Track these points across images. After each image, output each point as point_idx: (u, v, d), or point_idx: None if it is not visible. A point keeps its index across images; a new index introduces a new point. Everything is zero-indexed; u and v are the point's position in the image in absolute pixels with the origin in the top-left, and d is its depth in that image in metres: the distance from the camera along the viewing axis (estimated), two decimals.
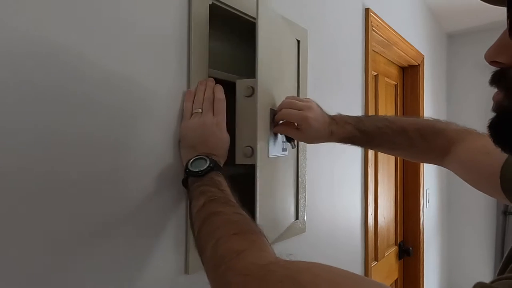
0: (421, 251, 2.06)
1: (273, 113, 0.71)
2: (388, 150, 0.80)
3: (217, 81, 0.68)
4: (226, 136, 0.63)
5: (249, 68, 0.89)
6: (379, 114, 1.77)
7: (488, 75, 0.36)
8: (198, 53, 0.66)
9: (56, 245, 0.46)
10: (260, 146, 0.63)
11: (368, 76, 1.40)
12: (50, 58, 0.45)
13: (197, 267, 0.65)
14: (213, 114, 0.62)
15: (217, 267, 0.39)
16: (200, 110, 0.62)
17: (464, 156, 0.65)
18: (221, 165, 0.60)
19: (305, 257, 0.37)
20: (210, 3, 0.68)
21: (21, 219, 0.43)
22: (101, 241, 0.52)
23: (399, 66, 2.04)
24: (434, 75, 2.37)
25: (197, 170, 0.55)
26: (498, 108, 0.35)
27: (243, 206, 0.50)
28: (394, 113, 2.01)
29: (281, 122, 0.72)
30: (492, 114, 0.36)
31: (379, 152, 1.60)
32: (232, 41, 0.86)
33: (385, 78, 1.87)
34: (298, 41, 0.93)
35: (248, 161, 0.65)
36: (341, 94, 1.25)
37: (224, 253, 0.39)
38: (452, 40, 2.73)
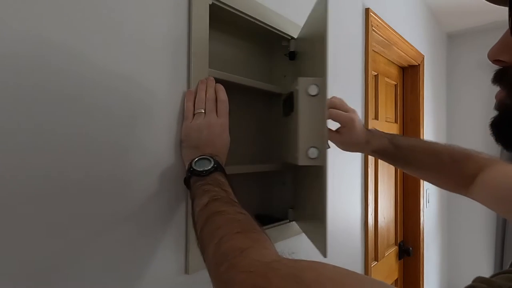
0: (421, 251, 2.06)
1: None
2: (418, 169, 0.78)
3: (217, 81, 0.68)
4: (228, 138, 0.63)
5: (249, 68, 0.89)
6: (379, 113, 1.77)
7: (490, 74, 0.36)
8: (198, 53, 0.66)
9: (56, 245, 0.46)
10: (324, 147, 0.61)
11: (368, 76, 1.40)
12: (50, 59, 0.46)
13: (197, 267, 0.65)
14: (217, 115, 0.62)
15: (220, 265, 0.39)
16: (203, 111, 0.62)
17: (493, 182, 0.62)
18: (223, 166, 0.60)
19: (305, 257, 0.37)
20: (210, 3, 0.68)
21: (22, 219, 0.43)
22: (101, 241, 0.52)
23: (399, 66, 2.04)
24: (434, 75, 2.37)
25: (201, 169, 0.55)
26: (501, 106, 0.35)
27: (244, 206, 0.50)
28: (394, 113, 2.01)
29: None
30: (494, 113, 0.36)
31: None
32: (232, 41, 0.86)
33: (385, 78, 1.87)
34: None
35: (312, 163, 0.61)
36: (341, 94, 1.23)
37: (228, 251, 0.39)
38: (452, 40, 2.73)
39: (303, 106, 0.61)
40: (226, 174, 0.57)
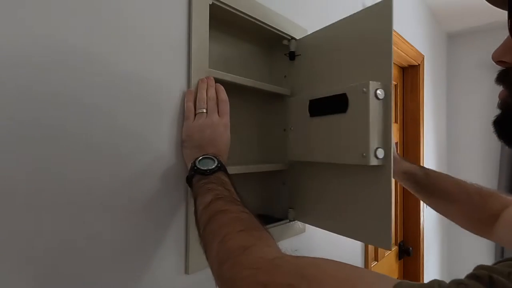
0: (421, 251, 2.06)
1: None
2: (444, 200, 0.77)
3: (217, 81, 0.68)
4: (229, 138, 0.64)
5: (249, 68, 0.89)
6: None
7: (490, 74, 0.38)
8: (198, 53, 0.66)
9: (56, 245, 0.46)
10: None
11: None
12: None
13: (197, 267, 0.65)
14: (218, 115, 0.63)
15: (223, 263, 0.39)
16: (205, 110, 0.62)
17: None
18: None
19: (307, 254, 0.37)
20: (210, 3, 0.68)
21: (24, 219, 0.43)
22: (101, 241, 0.52)
23: (399, 66, 2.04)
24: (434, 75, 2.37)
25: (205, 168, 0.55)
26: (503, 105, 0.37)
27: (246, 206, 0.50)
28: (394, 113, 2.01)
29: None
30: (496, 111, 0.38)
31: None
32: (232, 41, 0.86)
33: None
34: None
35: (380, 162, 0.64)
36: None
37: (231, 249, 0.40)
38: (452, 40, 2.73)
39: (372, 108, 0.64)
40: (228, 174, 0.57)
